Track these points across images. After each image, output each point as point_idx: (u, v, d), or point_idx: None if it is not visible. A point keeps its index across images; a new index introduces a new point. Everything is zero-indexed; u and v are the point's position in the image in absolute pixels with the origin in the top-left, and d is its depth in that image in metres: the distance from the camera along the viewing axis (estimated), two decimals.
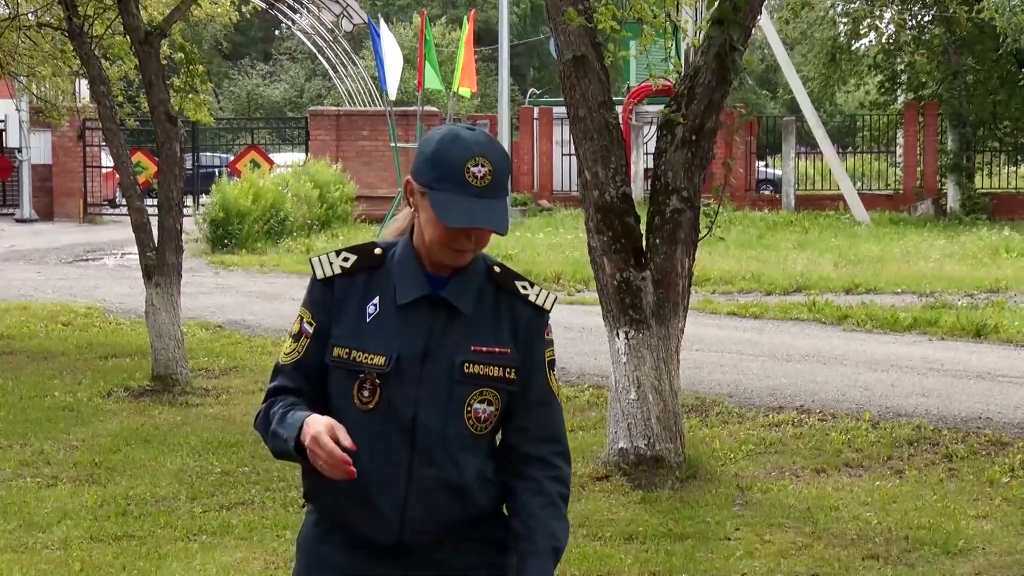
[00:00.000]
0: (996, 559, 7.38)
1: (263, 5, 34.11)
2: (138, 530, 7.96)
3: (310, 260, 3.52)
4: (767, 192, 36.87)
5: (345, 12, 38.59)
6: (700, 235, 9.08)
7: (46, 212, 34.42)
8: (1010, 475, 9.08)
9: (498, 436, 3.51)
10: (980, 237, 25.24)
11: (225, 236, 25.04)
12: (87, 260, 24.91)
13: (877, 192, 34.23)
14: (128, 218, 12.71)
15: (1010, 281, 19.11)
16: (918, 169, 33.49)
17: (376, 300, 3.41)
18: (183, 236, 12.45)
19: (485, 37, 36.96)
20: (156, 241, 12.11)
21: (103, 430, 10.48)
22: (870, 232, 27.32)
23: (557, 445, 3.48)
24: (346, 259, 3.45)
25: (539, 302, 3.46)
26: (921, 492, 8.75)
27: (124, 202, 13.02)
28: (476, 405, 3.37)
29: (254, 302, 17.92)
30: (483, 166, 3.30)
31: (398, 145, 26.24)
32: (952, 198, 32.08)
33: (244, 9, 20.59)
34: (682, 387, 9.30)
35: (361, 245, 3.50)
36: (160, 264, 12.04)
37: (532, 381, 3.45)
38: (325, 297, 3.44)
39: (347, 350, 3.38)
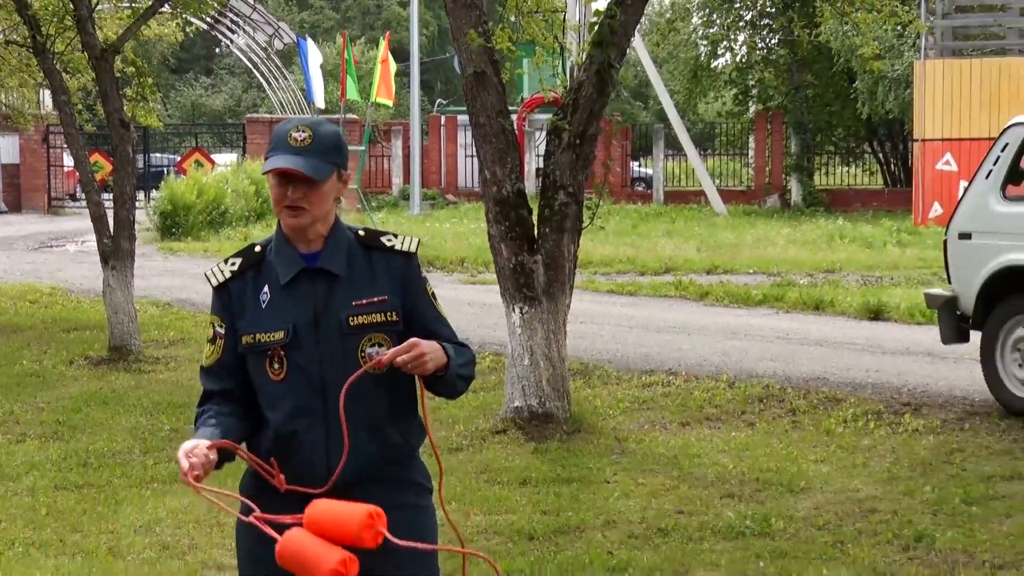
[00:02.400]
0: (832, 496, 7.48)
1: (204, 26, 33.66)
2: (97, 479, 7.87)
3: (204, 274, 3.56)
4: (640, 188, 37.03)
5: (277, 33, 38.23)
6: (583, 225, 9.11)
7: (15, 205, 33.85)
8: (843, 426, 9.21)
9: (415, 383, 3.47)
10: (818, 226, 25.54)
11: (173, 226, 24.80)
12: (51, 247, 24.51)
13: (732, 188, 34.52)
14: (87, 210, 12.54)
15: (843, 263, 19.38)
16: (767, 169, 33.81)
17: (266, 288, 3.43)
18: (136, 226, 12.30)
19: (399, 55, 36.71)
20: (112, 230, 11.96)
21: (66, 393, 10.33)
22: (727, 222, 27.54)
23: (460, 343, 3.49)
24: (233, 263, 3.48)
25: (405, 247, 3.47)
26: (769, 441, 8.85)
27: (84, 196, 12.81)
28: (368, 350, 3.37)
29: (198, 283, 17.70)
30: (304, 132, 3.40)
31: None
32: (795, 193, 32.44)
33: (188, 30, 20.28)
34: (568, 354, 9.32)
35: (244, 248, 3.54)
36: (115, 250, 11.89)
37: (424, 312, 3.47)
38: (224, 301, 3.46)
39: (252, 335, 3.40)
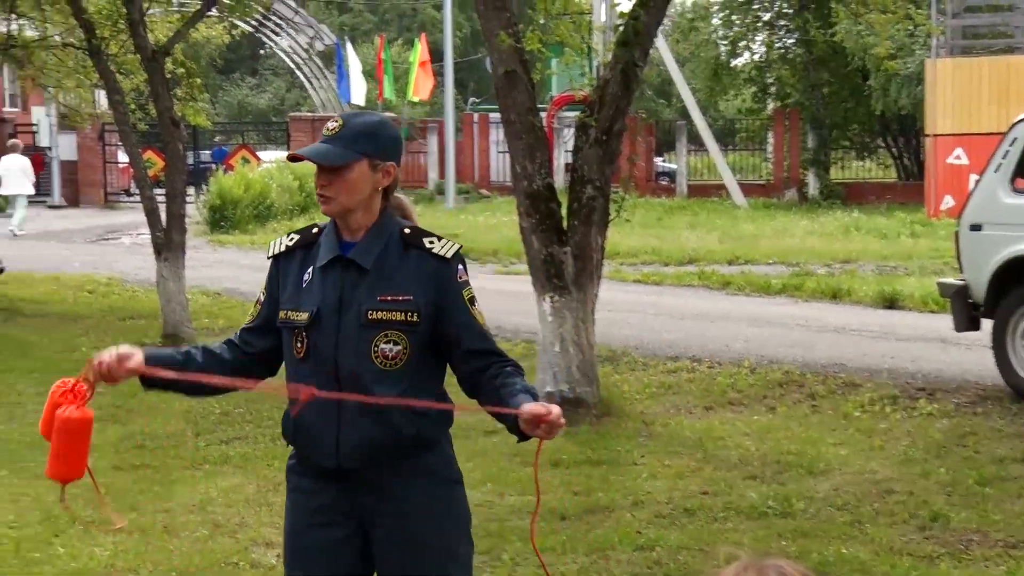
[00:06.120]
0: (850, 477, 7.43)
1: (250, 29, 33.72)
2: (152, 460, 7.89)
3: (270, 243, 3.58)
4: (664, 182, 36.91)
5: (317, 35, 38.27)
6: (610, 217, 9.08)
7: (72, 200, 34.01)
8: (861, 410, 9.16)
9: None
10: (835, 218, 25.39)
11: (221, 219, 24.87)
12: (107, 239, 24.63)
13: (752, 182, 34.35)
14: (141, 205, 12.58)
15: (859, 253, 19.26)
16: (785, 163, 33.63)
17: (310, 269, 3.41)
18: (186, 219, 12.33)
19: (433, 56, 36.70)
20: (164, 223, 12.00)
21: None
22: (747, 214, 27.42)
23: (497, 354, 3.42)
24: (291, 239, 3.50)
25: (442, 252, 3.38)
26: (790, 424, 8.80)
27: (137, 191, 12.86)
28: (382, 345, 3.30)
29: (246, 273, 17.76)
30: (336, 123, 3.38)
31: None
32: (812, 187, 32.25)
33: (234, 32, 20.33)
34: (597, 341, 9.30)
35: (306, 226, 3.53)
36: (168, 242, 11.93)
37: (458, 317, 3.37)
38: (272, 272, 3.50)
39: (286, 312, 3.40)
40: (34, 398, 9.35)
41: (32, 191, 26.02)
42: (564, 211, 8.98)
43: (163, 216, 12.00)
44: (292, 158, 3.47)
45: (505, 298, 14.57)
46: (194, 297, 14.34)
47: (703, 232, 23.04)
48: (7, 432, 8.58)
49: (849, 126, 34.41)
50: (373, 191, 3.37)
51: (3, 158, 25.86)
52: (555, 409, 3.12)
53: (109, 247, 22.94)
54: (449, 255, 3.38)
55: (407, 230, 3.41)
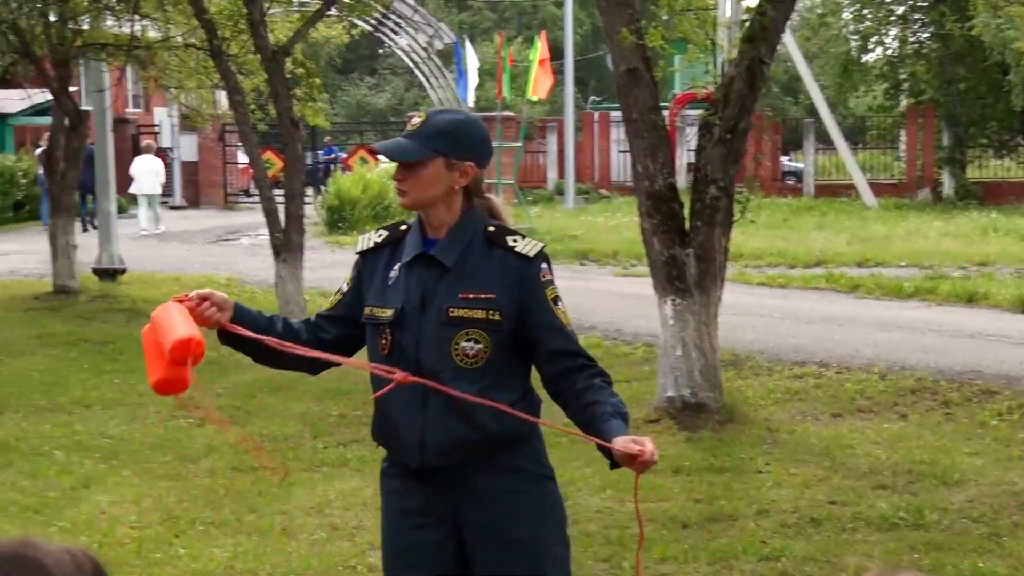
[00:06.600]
0: (986, 488, 7.27)
1: (369, 28, 34.10)
2: (270, 462, 8.01)
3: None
4: (791, 182, 36.45)
5: (436, 33, 38.55)
6: (734, 218, 9.00)
7: (193, 201, 34.71)
8: (998, 419, 8.95)
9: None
10: (971, 219, 24.84)
11: (339, 220, 25.14)
12: (227, 240, 25.11)
13: (883, 181, 33.74)
14: (260, 205, 12.80)
15: (997, 256, 18.79)
16: (918, 162, 33.01)
17: (396, 266, 3.46)
18: (305, 220, 12.51)
19: (553, 53, 36.77)
20: (283, 224, 12.18)
21: (241, 380, 10.56)
22: (878, 215, 26.97)
23: (583, 356, 3.42)
24: (380, 235, 3.57)
25: (525, 251, 3.39)
26: (922, 433, 8.64)
27: (257, 192, 13.09)
28: (463, 343, 3.32)
29: None
30: (419, 118, 3.43)
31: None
32: (947, 186, 31.60)
33: (353, 32, 20.60)
34: (720, 345, 9.23)
35: (394, 223, 3.60)
36: (286, 243, 12.11)
37: (541, 316, 3.38)
38: (357, 266, 3.58)
39: (371, 308, 3.46)
40: (155, 399, 9.56)
41: (159, 191, 26.81)
42: (686, 212, 8.93)
43: (282, 217, 12.20)
44: (371, 151, 3.56)
45: (625, 301, 14.52)
46: (312, 298, 14.54)
47: (831, 233, 22.71)
48: (129, 432, 8.80)
49: (987, 123, 33.62)
50: (450, 189, 3.40)
51: (136, 159, 26.70)
52: (648, 447, 3.16)
53: (228, 248, 23.39)
54: (532, 253, 3.40)
55: (491, 228, 3.43)
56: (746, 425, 8.81)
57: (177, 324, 3.24)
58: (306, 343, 3.48)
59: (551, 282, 3.43)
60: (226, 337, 3.46)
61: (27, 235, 24.64)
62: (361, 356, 3.59)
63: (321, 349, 3.48)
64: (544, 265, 3.42)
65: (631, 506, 6.93)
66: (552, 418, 3.59)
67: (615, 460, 3.25)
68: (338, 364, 3.46)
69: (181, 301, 3.35)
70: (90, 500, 7.19)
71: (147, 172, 25.95)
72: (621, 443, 3.18)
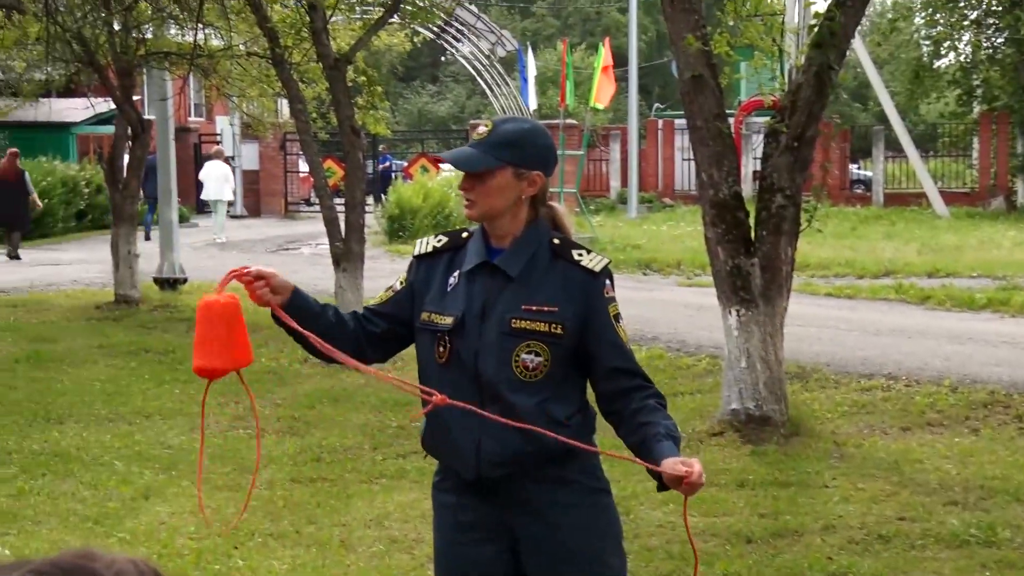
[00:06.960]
0: None
1: (431, 36, 34.29)
2: (330, 474, 8.06)
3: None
4: (859, 191, 36.18)
5: (499, 41, 38.66)
6: (801, 227, 8.94)
7: (254, 209, 35.05)
8: None
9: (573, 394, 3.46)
10: None
11: (400, 229, 25.25)
12: (288, 249, 25.31)
13: (955, 190, 33.40)
14: (320, 214, 12.88)
15: None
16: (991, 170, 32.64)
17: (456, 273, 3.45)
18: (365, 229, 12.57)
19: (617, 60, 36.70)
20: (343, 233, 12.25)
21: (301, 391, 10.64)
22: (949, 224, 26.69)
23: (640, 376, 3.41)
24: (439, 240, 3.56)
25: (590, 266, 3.38)
26: (994, 448, 8.52)
27: (318, 201, 13.17)
28: (524, 355, 3.32)
29: None
30: (485, 127, 3.41)
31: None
32: (1021, 195, 31.21)
33: (415, 39, 20.72)
34: (785, 357, 9.16)
35: (455, 229, 3.60)
36: (347, 252, 12.17)
37: (602, 332, 3.37)
38: (412, 268, 3.56)
39: (429, 314, 3.44)
40: (215, 409, 9.67)
41: (231, 197, 27.16)
42: (752, 221, 8.88)
43: (342, 226, 12.26)
44: (434, 160, 3.55)
45: (688, 311, 14.46)
46: None
47: (900, 243, 22.49)
48: (189, 443, 8.89)
49: None
50: (518, 199, 3.40)
51: (205, 164, 27.09)
52: (696, 468, 3.14)
53: (289, 257, 23.57)
54: (598, 269, 3.39)
55: (556, 240, 3.43)
56: (812, 439, 8.74)
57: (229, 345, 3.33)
58: (353, 332, 3.50)
59: (613, 299, 3.43)
60: (277, 319, 3.48)
61: (89, 244, 24.96)
62: (410, 356, 3.61)
63: (370, 341, 3.51)
64: (608, 281, 3.42)
65: (693, 520, 6.90)
66: (603, 435, 3.58)
67: (663, 482, 3.23)
68: (386, 381, 3.48)
69: (240, 276, 3.38)
70: (150, 511, 7.27)
71: (217, 178, 26.31)
72: (669, 464, 3.18)
